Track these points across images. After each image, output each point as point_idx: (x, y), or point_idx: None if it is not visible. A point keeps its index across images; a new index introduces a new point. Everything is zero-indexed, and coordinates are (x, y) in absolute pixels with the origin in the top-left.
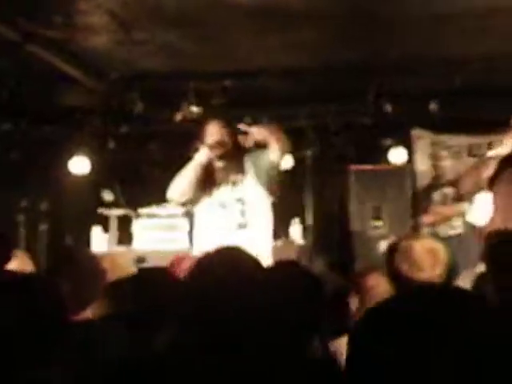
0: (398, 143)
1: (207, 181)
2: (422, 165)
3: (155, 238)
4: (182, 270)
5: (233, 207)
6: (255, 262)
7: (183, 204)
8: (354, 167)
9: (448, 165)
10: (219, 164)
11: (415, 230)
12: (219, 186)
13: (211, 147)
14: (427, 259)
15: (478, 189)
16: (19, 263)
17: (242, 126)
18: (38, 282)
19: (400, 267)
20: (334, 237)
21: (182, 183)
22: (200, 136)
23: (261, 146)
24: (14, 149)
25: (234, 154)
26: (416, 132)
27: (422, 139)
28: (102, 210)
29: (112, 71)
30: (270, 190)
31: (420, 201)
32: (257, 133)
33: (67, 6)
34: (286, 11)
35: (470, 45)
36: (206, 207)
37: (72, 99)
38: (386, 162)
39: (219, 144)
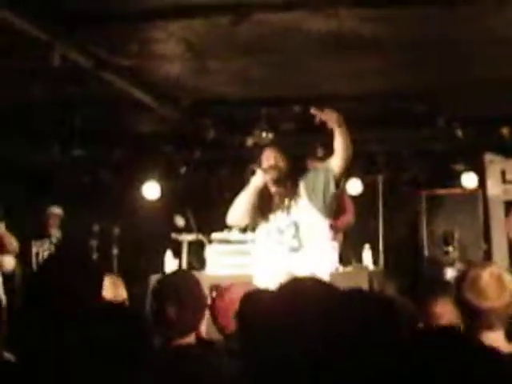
0: (469, 168)
1: (264, 206)
2: (494, 189)
3: (227, 264)
4: (232, 299)
5: (287, 231)
6: (326, 292)
7: (244, 230)
8: (425, 192)
9: None
10: (274, 189)
11: (488, 256)
12: (275, 212)
13: (266, 171)
14: (493, 288)
15: None
16: (113, 289)
17: (312, 110)
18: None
19: (466, 295)
20: (406, 262)
21: (240, 207)
22: (257, 161)
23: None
24: (86, 174)
25: (289, 179)
26: (488, 156)
27: (494, 164)
28: (174, 235)
29: (184, 98)
30: (329, 209)
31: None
32: (325, 115)
33: (142, 34)
34: (357, 39)
35: None
36: (263, 233)
37: (145, 126)
38: (458, 186)
39: (273, 168)
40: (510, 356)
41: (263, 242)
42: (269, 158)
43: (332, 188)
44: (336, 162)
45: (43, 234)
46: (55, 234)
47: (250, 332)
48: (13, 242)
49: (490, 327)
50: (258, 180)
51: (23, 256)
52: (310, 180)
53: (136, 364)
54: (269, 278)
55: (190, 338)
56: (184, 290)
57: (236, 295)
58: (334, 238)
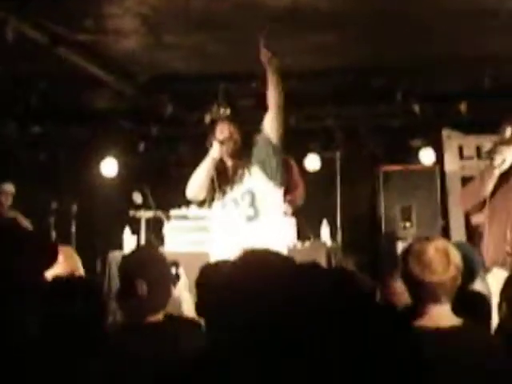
0: (427, 144)
1: (220, 179)
2: (452, 165)
3: (186, 240)
4: None
5: (242, 201)
6: (283, 262)
7: (201, 204)
8: (383, 168)
9: (475, 165)
10: (229, 162)
11: (445, 231)
12: (231, 184)
13: (221, 143)
14: (439, 262)
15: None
16: (68, 262)
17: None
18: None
19: (412, 269)
20: (364, 238)
21: (198, 180)
22: (213, 134)
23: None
24: (43, 151)
25: (243, 152)
26: (445, 132)
27: (452, 139)
28: (132, 213)
29: (141, 74)
30: (277, 180)
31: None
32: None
33: (97, 10)
34: (313, 13)
35: (500, 45)
36: (219, 206)
37: (102, 102)
38: (416, 162)
39: (228, 140)
40: (449, 329)
41: (219, 215)
42: (223, 130)
43: (273, 162)
44: (270, 120)
45: None
46: (7, 212)
47: (208, 304)
48: None
49: (437, 301)
50: (214, 152)
51: None
52: (256, 151)
53: (93, 346)
54: (226, 250)
55: (160, 316)
56: (153, 266)
57: None
58: (290, 213)
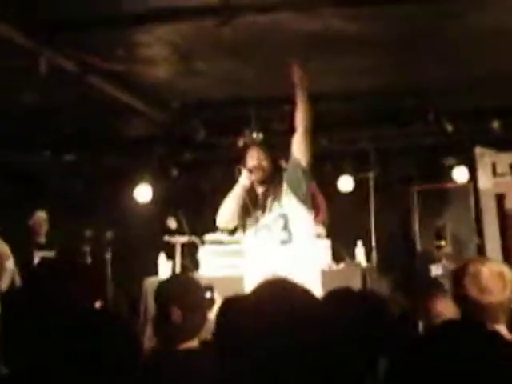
0: (460, 162)
1: (251, 206)
2: (485, 182)
3: (221, 265)
4: None
5: (275, 225)
6: (307, 295)
7: (233, 232)
8: (416, 187)
9: (509, 182)
10: (260, 189)
11: (481, 249)
12: (263, 211)
13: (250, 171)
14: (496, 283)
15: None
16: None
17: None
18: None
19: (469, 291)
20: (398, 257)
21: (228, 209)
22: (242, 161)
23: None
24: (77, 179)
25: (274, 178)
26: (478, 150)
27: (485, 157)
28: (167, 238)
29: (173, 101)
30: (307, 204)
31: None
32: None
33: (128, 39)
34: (343, 37)
35: None
36: (252, 233)
37: (134, 129)
38: (449, 181)
39: (257, 168)
40: None
41: (252, 241)
42: (252, 157)
43: (303, 185)
44: (298, 142)
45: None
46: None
47: (227, 336)
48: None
49: (495, 321)
50: (243, 180)
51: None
52: (287, 175)
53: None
54: (260, 275)
55: (194, 342)
56: (188, 292)
57: None
58: (324, 235)
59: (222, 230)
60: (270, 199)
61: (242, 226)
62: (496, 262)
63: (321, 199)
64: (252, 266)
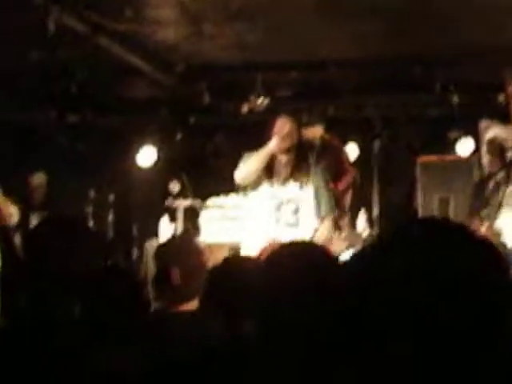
0: (465, 134)
1: (271, 170)
2: None
3: (222, 229)
4: None
5: (286, 205)
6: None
7: (243, 188)
8: (421, 158)
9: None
10: (283, 157)
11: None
12: (279, 180)
13: (282, 138)
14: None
15: None
16: None
17: None
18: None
19: None
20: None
21: (250, 168)
22: (270, 127)
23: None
24: (81, 140)
25: (299, 151)
26: (484, 123)
27: (490, 130)
28: (169, 201)
29: (180, 63)
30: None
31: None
32: None
33: (137, 0)
34: (352, 2)
35: None
36: (262, 197)
37: (140, 91)
38: (454, 153)
39: (289, 136)
40: None
41: (258, 207)
42: (285, 125)
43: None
44: None
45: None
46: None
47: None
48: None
49: None
50: (273, 145)
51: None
52: (317, 174)
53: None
54: (257, 244)
55: (194, 304)
56: (188, 254)
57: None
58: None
59: (227, 194)
60: (290, 171)
61: (253, 186)
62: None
63: (349, 168)
64: (250, 233)
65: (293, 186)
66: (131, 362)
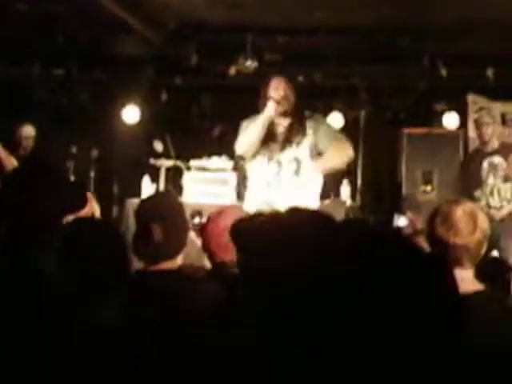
0: (451, 108)
1: (268, 135)
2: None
3: (204, 192)
4: (226, 225)
5: (288, 166)
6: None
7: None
8: (406, 130)
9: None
10: (280, 120)
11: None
12: (278, 143)
13: (278, 102)
14: (466, 225)
15: None
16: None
17: None
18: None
19: (438, 230)
20: (384, 199)
21: (251, 138)
22: (264, 91)
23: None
24: (65, 94)
25: (295, 113)
26: (471, 97)
27: (476, 105)
28: (152, 161)
29: (169, 22)
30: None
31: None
32: None
33: None
34: None
35: None
36: (261, 162)
37: (127, 48)
38: (439, 126)
39: (284, 98)
40: (472, 295)
41: (259, 172)
42: (278, 88)
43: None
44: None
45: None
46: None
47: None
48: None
49: (460, 264)
50: (269, 111)
51: None
52: (320, 131)
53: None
54: (256, 207)
55: (176, 262)
56: (169, 210)
57: (230, 221)
58: None
59: (210, 156)
60: (288, 133)
61: (253, 154)
62: (473, 205)
63: None
64: (254, 198)
65: (292, 147)
66: (119, 316)
